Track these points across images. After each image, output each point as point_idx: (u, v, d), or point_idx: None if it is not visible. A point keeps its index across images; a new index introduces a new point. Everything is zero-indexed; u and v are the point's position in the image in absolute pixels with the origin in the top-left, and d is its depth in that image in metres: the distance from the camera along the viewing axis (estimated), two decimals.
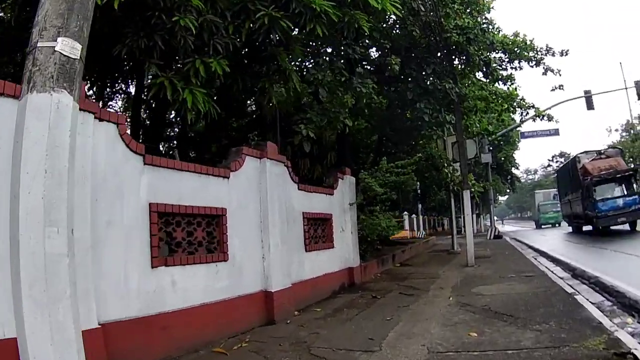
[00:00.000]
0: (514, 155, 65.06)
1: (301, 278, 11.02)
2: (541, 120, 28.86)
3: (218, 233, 8.51)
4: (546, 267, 15.77)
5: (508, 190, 70.85)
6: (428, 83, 16.76)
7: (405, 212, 46.80)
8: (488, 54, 19.19)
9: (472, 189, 22.06)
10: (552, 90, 26.21)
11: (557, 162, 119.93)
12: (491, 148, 42.10)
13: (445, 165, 21.54)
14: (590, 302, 9.12)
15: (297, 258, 11.06)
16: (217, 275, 8.20)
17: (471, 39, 16.74)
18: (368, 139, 26.58)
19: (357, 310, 10.09)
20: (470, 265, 16.77)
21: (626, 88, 45.06)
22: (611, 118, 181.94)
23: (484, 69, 19.83)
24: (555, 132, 42.39)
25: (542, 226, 59.77)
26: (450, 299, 10.55)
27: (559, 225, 54.72)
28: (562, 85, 26.05)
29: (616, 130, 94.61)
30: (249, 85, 11.33)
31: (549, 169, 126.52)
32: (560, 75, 23.99)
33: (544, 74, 23.82)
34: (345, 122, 12.75)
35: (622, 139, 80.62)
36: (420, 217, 51.60)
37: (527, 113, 28.34)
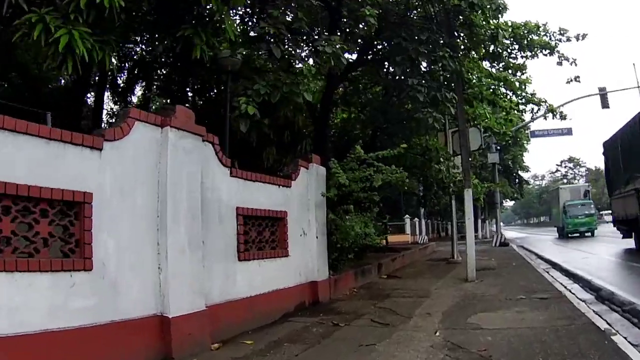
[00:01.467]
0: (522, 157, 62.13)
1: (229, 297, 8.36)
2: (553, 117, 26.01)
3: (77, 229, 5.71)
4: (561, 283, 13.00)
5: (516, 195, 67.44)
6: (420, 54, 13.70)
7: (407, 216, 44.25)
8: (495, 22, 16.22)
9: (476, 190, 18.99)
10: (568, 82, 23.70)
11: (565, 167, 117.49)
12: (499, 147, 39.15)
13: (443, 160, 18.61)
14: (633, 345, 6.41)
15: (224, 269, 8.37)
16: (73, 290, 5.53)
17: (474, 2, 13.67)
18: (361, 131, 23.77)
19: (302, 346, 7.28)
20: (470, 279, 13.86)
21: (638, 86, 41.90)
22: (622, 121, 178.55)
23: (490, 47, 16.93)
24: (568, 132, 39.20)
25: (570, 235, 42.58)
26: (437, 334, 7.63)
27: (592, 234, 41.92)
28: (579, 77, 23.40)
29: None
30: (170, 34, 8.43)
31: (557, 174, 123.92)
32: (576, 64, 21.69)
33: (559, 63, 21.60)
34: (305, 96, 9.85)
35: None
36: (423, 221, 48.79)
37: (539, 109, 25.31)
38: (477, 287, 12.71)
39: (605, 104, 35.01)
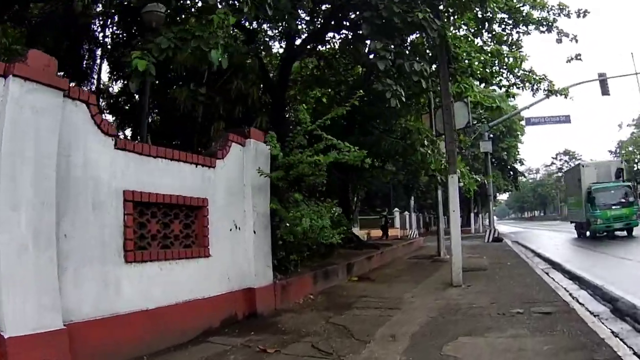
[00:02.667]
0: (517, 149, 59.98)
1: (111, 311, 6.12)
2: (554, 95, 23.35)
3: None
4: (566, 290, 10.66)
5: (510, 187, 65.23)
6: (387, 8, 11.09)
7: (397, 210, 42.07)
8: None
9: (464, 179, 16.47)
10: (568, 61, 21.06)
11: (561, 160, 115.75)
12: (491, 136, 36.84)
13: (427, 144, 16.17)
14: None
15: (101, 274, 6.11)
16: None
17: None
18: (337, 114, 21.36)
19: None
20: (455, 284, 11.50)
21: (637, 73, 39.64)
22: (621, 114, 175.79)
23: (479, 11, 14.52)
24: (566, 119, 36.64)
25: (599, 234, 29.38)
26: None
27: (631, 233, 28.96)
28: (580, 55, 20.78)
29: (628, 125, 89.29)
30: None
31: (552, 167, 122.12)
32: (576, 41, 19.06)
33: (558, 41, 19.07)
34: (213, 54, 7.48)
35: (635, 136, 75.33)
36: (413, 215, 46.53)
37: (538, 88, 22.74)
38: (462, 295, 10.31)
39: (605, 91, 33.16)
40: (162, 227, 7.17)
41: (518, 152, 61.81)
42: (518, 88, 22.31)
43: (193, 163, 7.84)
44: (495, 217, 47.63)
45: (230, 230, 8.65)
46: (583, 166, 32.84)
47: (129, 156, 6.60)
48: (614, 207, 28.28)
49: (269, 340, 7.03)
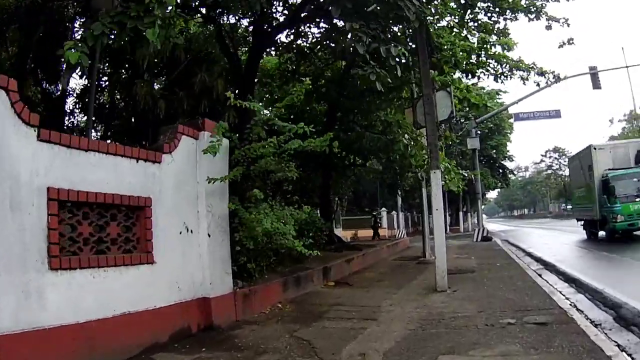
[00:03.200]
0: (506, 146, 59.13)
1: (34, 324, 5.17)
2: (548, 82, 22.30)
3: None
4: (562, 294, 9.66)
5: (500, 184, 64.37)
6: None
7: (384, 209, 41.04)
8: None
9: (448, 175, 15.35)
10: (561, 46, 20.21)
11: (550, 157, 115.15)
12: (479, 132, 35.84)
13: (408, 138, 15.14)
14: None
15: (20, 283, 5.16)
16: None
17: None
18: (315, 109, 20.42)
19: None
20: (440, 288, 10.47)
21: (627, 67, 38.86)
22: (612, 109, 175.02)
23: None
24: (556, 114, 35.59)
25: (618, 234, 22.44)
26: None
27: None
28: (572, 39, 19.89)
29: (619, 121, 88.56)
30: None
31: (541, 164, 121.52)
32: (568, 25, 18.21)
33: (548, 27, 18.42)
34: (150, 35, 6.50)
35: (626, 131, 74.60)
36: (401, 214, 45.48)
37: (528, 77, 21.70)
38: (447, 302, 9.26)
39: (596, 85, 32.33)
40: (96, 230, 6.10)
41: (507, 149, 60.90)
42: (506, 77, 21.38)
43: (133, 158, 6.74)
44: (484, 216, 46.68)
45: (181, 233, 7.57)
46: (595, 149, 24.51)
47: (54, 149, 5.56)
48: (638, 199, 21.47)
49: (220, 357, 6.13)
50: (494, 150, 57.87)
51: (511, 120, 58.46)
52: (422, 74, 11.43)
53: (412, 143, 15.18)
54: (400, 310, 8.74)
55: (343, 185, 23.45)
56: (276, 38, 16.37)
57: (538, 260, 16.77)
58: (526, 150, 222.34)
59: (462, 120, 32.00)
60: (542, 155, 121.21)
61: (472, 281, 11.80)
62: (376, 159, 20.11)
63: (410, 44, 12.97)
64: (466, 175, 14.70)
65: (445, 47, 16.09)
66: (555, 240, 27.65)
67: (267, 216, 8.46)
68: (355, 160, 21.04)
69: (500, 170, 62.47)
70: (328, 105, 19.15)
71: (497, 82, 22.04)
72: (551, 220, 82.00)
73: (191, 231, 7.76)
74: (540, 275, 12.69)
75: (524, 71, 20.99)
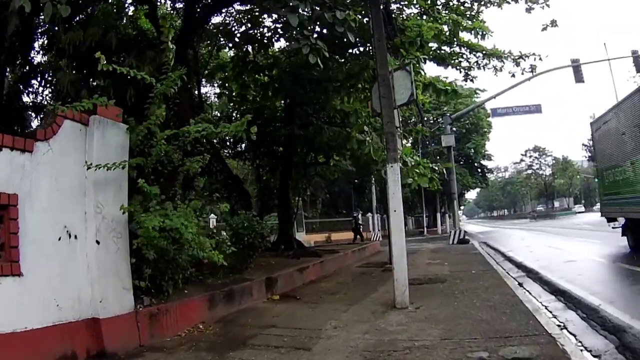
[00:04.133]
0: (484, 145, 57.63)
1: None
2: (522, 70, 20.60)
3: None
4: (548, 311, 8.01)
5: (479, 184, 62.89)
6: None
7: (359, 211, 39.32)
8: None
9: (418, 172, 13.33)
10: (544, 29, 18.65)
11: (530, 157, 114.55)
12: (454, 129, 34.11)
13: (366, 129, 13.29)
14: None
15: None
16: None
17: None
18: (272, 103, 18.57)
19: None
20: (400, 305, 8.62)
21: (609, 59, 37.42)
22: (593, 106, 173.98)
23: None
24: (537, 109, 33.54)
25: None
26: None
27: None
28: (555, 21, 18.34)
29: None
30: None
31: (521, 164, 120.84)
32: (548, 6, 16.69)
33: (528, 10, 17.01)
34: None
35: None
36: (376, 216, 43.74)
37: (502, 66, 19.94)
38: (405, 325, 7.38)
39: (579, 78, 30.56)
40: None
41: (485, 149, 59.41)
42: (479, 67, 19.68)
43: None
44: (464, 217, 45.08)
45: (60, 239, 5.89)
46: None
47: None
48: None
49: None
50: (472, 150, 56.38)
51: (489, 119, 57.14)
52: (377, 51, 9.51)
53: (372, 136, 13.25)
54: (344, 336, 6.84)
55: (304, 186, 21.42)
56: (209, 21, 15.11)
57: (519, 266, 15.01)
58: (505, 150, 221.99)
59: (437, 119, 30.51)
60: (522, 155, 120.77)
61: (441, 294, 9.91)
62: (340, 157, 18.26)
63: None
64: (436, 168, 12.74)
65: (411, 29, 14.24)
66: (538, 243, 25.87)
67: (166, 216, 6.59)
68: (317, 158, 19.19)
69: (479, 170, 61.13)
70: (285, 99, 17.28)
71: (466, 80, 20.47)
72: (531, 221, 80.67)
73: (75, 237, 6.07)
74: (521, 285, 10.98)
75: (498, 59, 19.34)
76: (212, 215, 34.58)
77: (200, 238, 7.16)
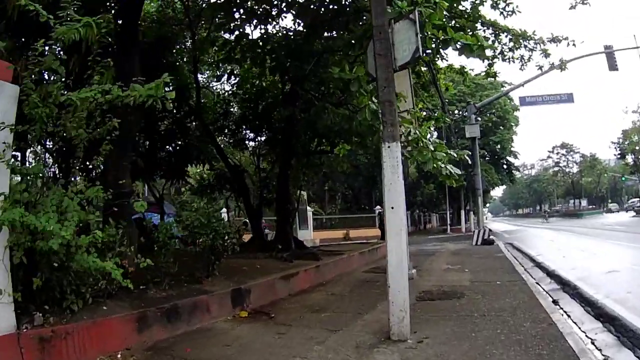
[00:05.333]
0: (511, 142, 54.92)
1: None
2: (550, 63, 18.55)
3: None
4: (599, 352, 5.81)
5: (505, 181, 60.19)
6: None
7: (379, 207, 37.25)
8: None
9: (432, 157, 10.68)
10: (572, 7, 16.15)
11: (557, 154, 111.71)
12: (479, 119, 31.67)
13: (373, 105, 10.88)
14: None
15: None
16: None
17: None
18: (273, 86, 16.58)
19: None
20: (396, 336, 6.39)
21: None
22: (627, 99, 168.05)
23: None
24: (568, 98, 30.87)
25: None
26: None
27: None
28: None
29: (634, 111, 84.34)
30: None
31: (548, 161, 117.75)
32: None
33: None
34: None
35: (638, 125, 70.26)
36: None
37: (531, 55, 17.69)
38: None
39: (612, 65, 28.29)
40: None
41: (512, 144, 56.67)
42: (504, 60, 17.53)
43: None
44: (489, 214, 42.57)
45: None
46: None
47: None
48: None
49: None
50: (498, 146, 53.72)
51: (517, 113, 54.45)
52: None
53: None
54: None
55: (306, 177, 19.03)
56: None
57: (551, 275, 12.54)
58: (532, 147, 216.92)
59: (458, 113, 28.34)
60: (549, 152, 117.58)
61: (456, 318, 7.62)
62: (350, 144, 15.95)
63: None
64: (455, 156, 10.29)
65: None
66: (569, 245, 23.35)
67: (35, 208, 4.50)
68: (320, 145, 16.92)
69: (505, 166, 58.54)
70: (282, 76, 15.09)
71: (488, 76, 19.75)
72: (559, 219, 77.80)
73: None
74: (557, 304, 8.77)
75: (526, 40, 17.01)
76: (224, 209, 32.74)
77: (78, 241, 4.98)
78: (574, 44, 17.10)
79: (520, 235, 36.47)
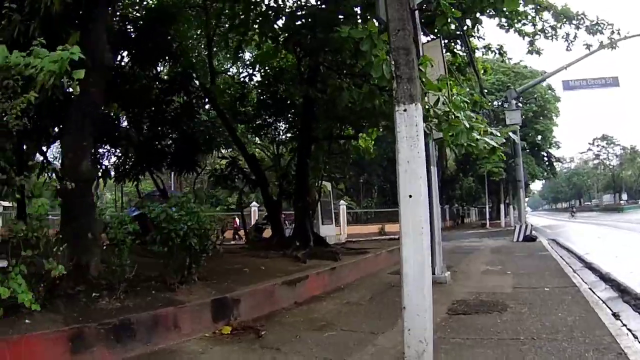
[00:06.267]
0: (552, 132, 52.48)
1: None
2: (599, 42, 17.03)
3: None
4: None
5: (546, 174, 57.73)
6: None
7: None
8: None
9: (468, 133, 8.63)
10: None
11: (598, 146, 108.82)
12: (519, 105, 29.56)
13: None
14: None
15: None
16: None
17: None
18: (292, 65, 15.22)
19: None
20: None
21: None
22: None
23: None
24: (614, 82, 28.61)
25: None
26: None
27: None
28: None
29: None
30: None
31: (588, 154, 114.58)
32: None
33: None
34: None
35: None
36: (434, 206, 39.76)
37: (576, 34, 16.28)
38: None
39: None
40: None
41: (553, 135, 54.20)
42: (547, 37, 16.64)
43: None
44: (528, 209, 40.46)
45: None
46: None
47: None
48: None
49: None
50: (539, 137, 51.37)
51: (558, 104, 52.01)
52: None
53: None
54: None
55: (330, 166, 17.16)
56: None
57: (606, 279, 10.59)
58: (572, 141, 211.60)
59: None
60: (590, 144, 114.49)
61: (496, 344, 5.84)
62: (372, 126, 14.25)
63: None
64: (498, 135, 8.45)
65: None
66: (618, 243, 21.31)
67: None
68: (342, 130, 15.21)
69: (546, 159, 56.14)
70: (295, 51, 13.49)
71: (532, 53, 17.64)
72: (600, 214, 75.07)
73: None
74: (618, 318, 6.98)
75: (569, 20, 15.44)
76: (254, 202, 31.16)
77: None
78: (618, 33, 15.65)
79: (563, 231, 34.25)
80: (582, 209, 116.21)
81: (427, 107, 6.83)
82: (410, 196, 4.58)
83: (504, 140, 8.74)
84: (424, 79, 6.15)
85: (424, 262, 4.57)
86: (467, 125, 7.25)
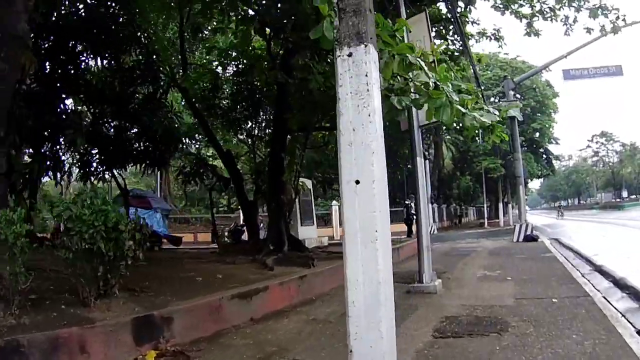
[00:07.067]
0: (551, 127, 51.53)
1: None
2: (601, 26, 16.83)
3: None
4: None
5: (544, 172, 56.70)
6: None
7: (412, 198, 34.44)
8: None
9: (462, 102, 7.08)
10: None
11: (597, 143, 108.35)
12: (518, 96, 28.42)
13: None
14: None
15: None
16: None
17: None
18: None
19: None
20: None
21: None
22: None
23: None
24: (617, 71, 27.28)
25: None
26: None
27: None
28: None
29: None
30: None
31: (587, 151, 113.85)
32: None
33: None
34: None
35: None
36: (429, 205, 38.75)
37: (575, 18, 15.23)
38: None
39: None
40: None
41: (552, 131, 53.14)
42: (545, 19, 16.32)
43: None
44: (527, 207, 39.36)
45: None
46: None
47: None
48: None
49: None
50: (537, 134, 50.34)
51: (555, 100, 51.05)
52: None
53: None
54: None
55: (296, 163, 15.44)
56: None
57: (621, 285, 9.07)
58: (570, 138, 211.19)
59: None
60: (589, 141, 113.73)
61: None
62: None
63: None
64: (497, 113, 7.03)
65: None
66: (624, 241, 20.21)
67: None
68: (320, 122, 13.76)
69: (545, 156, 55.13)
70: (262, 29, 12.13)
71: (530, 35, 17.05)
72: (600, 212, 74.10)
73: None
74: None
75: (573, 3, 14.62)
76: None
77: None
78: (624, 19, 15.93)
79: (564, 230, 33.07)
80: (580, 208, 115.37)
81: (407, 79, 5.36)
82: (358, 182, 3.08)
83: (499, 118, 7.16)
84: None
85: (379, 285, 3.04)
86: (454, 99, 5.70)
